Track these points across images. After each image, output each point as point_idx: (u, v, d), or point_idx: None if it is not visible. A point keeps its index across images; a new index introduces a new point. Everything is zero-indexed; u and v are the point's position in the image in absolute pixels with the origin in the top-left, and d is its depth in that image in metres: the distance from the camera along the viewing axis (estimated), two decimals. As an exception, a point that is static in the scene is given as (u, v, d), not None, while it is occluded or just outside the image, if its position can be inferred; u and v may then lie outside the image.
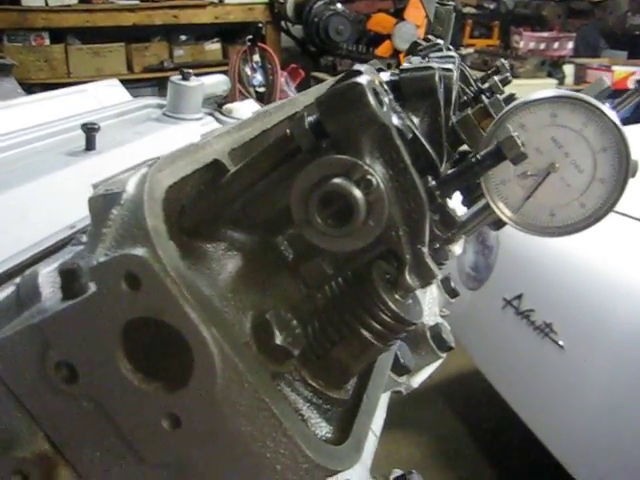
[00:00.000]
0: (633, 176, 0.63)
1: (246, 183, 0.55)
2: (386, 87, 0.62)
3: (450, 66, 0.82)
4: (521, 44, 6.56)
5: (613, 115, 0.61)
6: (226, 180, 0.56)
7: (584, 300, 2.30)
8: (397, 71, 0.77)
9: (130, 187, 0.51)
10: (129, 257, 0.46)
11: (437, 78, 0.74)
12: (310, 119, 0.51)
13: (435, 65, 0.76)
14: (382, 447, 2.61)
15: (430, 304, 1.03)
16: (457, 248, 1.30)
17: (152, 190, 0.49)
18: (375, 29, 5.60)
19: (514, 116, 0.62)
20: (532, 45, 6.54)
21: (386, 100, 0.54)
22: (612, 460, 2.13)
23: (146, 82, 5.92)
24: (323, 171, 0.49)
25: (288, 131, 0.52)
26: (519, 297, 2.52)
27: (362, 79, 0.49)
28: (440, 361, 0.93)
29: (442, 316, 1.20)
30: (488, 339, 2.86)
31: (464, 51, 6.47)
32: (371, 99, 0.49)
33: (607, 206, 0.63)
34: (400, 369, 0.76)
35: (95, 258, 0.48)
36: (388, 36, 5.33)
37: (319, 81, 5.70)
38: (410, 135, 0.56)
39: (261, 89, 4.67)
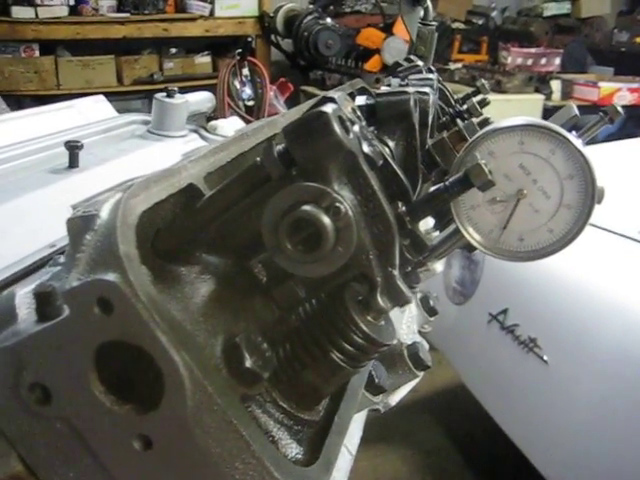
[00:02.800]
0: (599, 202, 0.64)
1: (219, 209, 0.56)
2: (359, 113, 0.63)
3: (427, 89, 0.83)
4: (509, 60, 6.60)
5: (579, 143, 0.63)
6: (200, 205, 0.57)
7: (569, 315, 2.31)
8: (373, 95, 0.78)
9: (104, 213, 0.52)
10: (101, 282, 0.47)
11: (412, 102, 0.75)
12: (279, 148, 0.52)
13: (411, 89, 0.77)
14: (368, 461, 2.63)
15: (409, 322, 1.04)
16: (438, 266, 1.31)
17: (125, 216, 0.50)
18: (364, 44, 5.64)
19: (483, 143, 0.64)
20: (520, 61, 6.59)
21: (356, 127, 0.55)
22: (595, 475, 2.14)
23: (136, 95, 5.92)
24: (293, 198, 0.50)
25: (258, 160, 0.54)
26: (504, 312, 2.54)
27: (327, 108, 0.50)
28: (417, 380, 0.94)
29: (423, 333, 1.21)
30: (473, 353, 2.87)
31: (452, 66, 6.51)
32: (336, 127, 0.50)
33: (574, 231, 0.64)
34: (375, 389, 0.77)
35: (68, 282, 0.49)
36: (377, 51, 5.37)
37: (308, 95, 5.73)
38: (381, 161, 0.57)
39: (250, 103, 4.69)
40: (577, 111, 0.78)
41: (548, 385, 2.32)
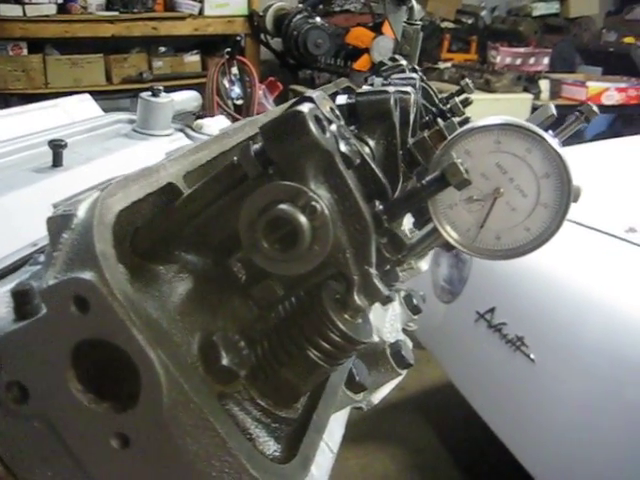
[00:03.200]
0: (575, 201, 0.65)
1: (198, 207, 0.56)
2: (337, 112, 0.63)
3: (408, 89, 0.84)
4: (498, 59, 6.63)
5: (555, 142, 0.63)
6: (178, 204, 0.58)
7: (556, 314, 2.32)
8: (354, 94, 0.79)
9: (81, 212, 0.52)
10: (77, 281, 0.48)
11: (392, 102, 0.76)
12: (255, 147, 0.52)
13: (391, 89, 0.78)
14: (357, 460, 2.63)
15: (392, 320, 1.04)
16: (423, 264, 1.32)
17: (102, 215, 0.51)
18: (353, 43, 5.64)
19: (459, 142, 0.64)
20: (509, 60, 6.62)
21: (333, 127, 0.56)
22: (581, 472, 2.15)
23: (125, 93, 5.89)
24: (269, 197, 0.50)
25: (235, 159, 0.54)
26: (492, 310, 2.54)
27: (304, 107, 0.51)
28: (400, 378, 0.94)
29: (408, 331, 1.22)
30: (461, 352, 2.88)
31: (442, 65, 6.52)
32: (312, 127, 0.50)
33: (551, 230, 0.65)
34: (356, 387, 0.78)
35: (45, 281, 0.50)
36: (366, 50, 5.37)
37: (297, 94, 5.73)
38: (358, 160, 0.57)
39: (239, 102, 4.69)
40: (554, 110, 0.79)
41: (535, 383, 2.33)
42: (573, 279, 2.34)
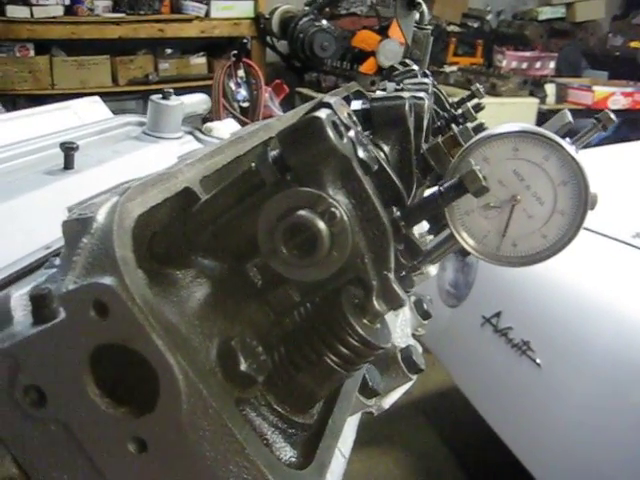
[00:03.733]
0: (592, 209, 0.65)
1: (215, 213, 0.56)
2: (355, 118, 0.63)
3: (422, 94, 0.84)
4: (504, 63, 6.63)
5: (572, 150, 0.63)
6: (196, 209, 0.58)
7: (562, 319, 2.32)
8: (368, 99, 0.79)
9: (100, 216, 0.52)
10: (97, 286, 0.48)
11: (407, 108, 0.76)
12: (273, 154, 0.52)
13: (406, 94, 0.78)
14: (361, 464, 2.63)
15: (402, 325, 1.04)
16: (432, 269, 1.32)
17: (122, 220, 0.51)
18: (360, 46, 5.64)
19: (477, 149, 0.64)
20: (515, 64, 6.62)
21: (351, 133, 0.56)
22: (587, 478, 2.15)
23: (131, 95, 5.91)
24: (288, 203, 0.50)
25: (253, 165, 0.54)
26: (498, 315, 2.54)
27: (322, 113, 0.51)
28: (411, 383, 0.94)
29: (417, 336, 1.21)
30: (467, 356, 2.88)
31: (448, 69, 6.52)
32: (330, 133, 0.50)
33: (567, 237, 0.65)
34: (369, 392, 0.78)
35: (65, 285, 0.50)
36: (372, 53, 5.37)
37: (303, 97, 5.73)
38: (376, 166, 0.57)
39: (245, 104, 4.68)
40: (571, 118, 0.79)
41: (541, 388, 2.32)
42: (580, 284, 2.34)
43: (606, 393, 2.10)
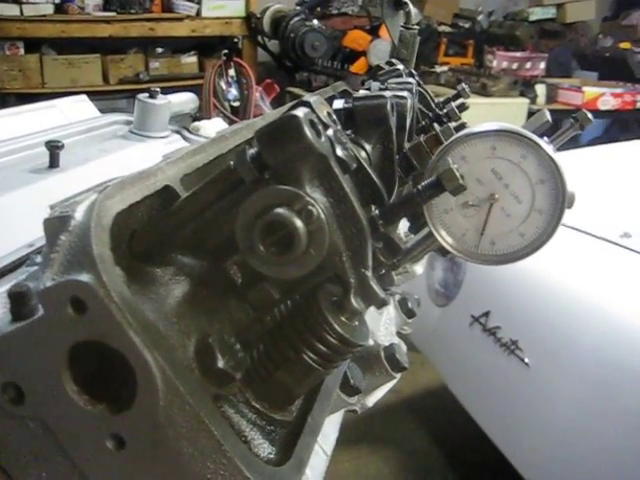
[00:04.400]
0: (570, 207, 0.65)
1: (194, 211, 0.57)
2: (334, 117, 0.64)
3: (404, 93, 0.84)
4: (494, 63, 6.64)
5: (550, 149, 0.64)
6: (176, 207, 0.58)
7: (550, 318, 2.33)
8: (351, 99, 0.79)
9: (78, 214, 0.52)
10: (75, 283, 0.48)
11: (389, 107, 0.76)
12: (251, 152, 0.53)
13: (388, 94, 0.78)
14: (350, 463, 2.63)
15: (386, 324, 1.05)
16: (418, 268, 1.33)
17: (100, 217, 0.51)
18: (351, 46, 5.65)
19: (455, 148, 0.65)
20: (505, 64, 6.63)
21: (330, 131, 0.56)
22: (575, 477, 2.16)
23: (121, 94, 5.89)
24: (266, 201, 0.51)
25: (231, 163, 0.54)
26: (486, 314, 2.55)
27: (299, 112, 0.51)
28: (395, 381, 0.95)
29: (403, 334, 1.22)
30: (456, 355, 2.89)
31: (439, 69, 6.53)
32: (307, 131, 0.51)
33: (545, 235, 0.65)
34: (351, 390, 0.78)
35: (42, 282, 0.50)
36: (363, 53, 5.39)
37: (294, 96, 5.73)
38: (354, 165, 0.58)
39: (236, 103, 4.68)
40: (549, 117, 0.80)
41: (529, 387, 2.33)
42: (568, 283, 2.35)
43: (593, 392, 2.11)
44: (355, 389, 0.78)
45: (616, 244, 2.34)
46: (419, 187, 0.58)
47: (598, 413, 2.08)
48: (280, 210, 0.50)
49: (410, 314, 1.10)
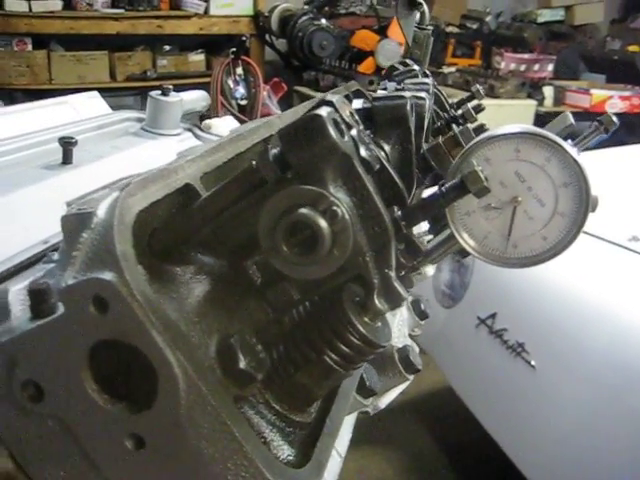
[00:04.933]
0: (593, 211, 0.65)
1: (216, 210, 0.56)
2: (357, 117, 0.63)
3: (423, 94, 0.84)
4: (502, 65, 6.63)
5: (574, 152, 0.63)
6: (197, 206, 0.57)
7: (557, 321, 2.33)
8: (369, 99, 0.79)
9: (101, 211, 0.52)
10: (97, 281, 0.47)
11: (409, 107, 0.76)
12: (274, 152, 0.52)
13: (407, 94, 0.78)
14: (354, 463, 2.63)
15: (400, 326, 1.04)
16: (430, 269, 1.32)
17: (122, 215, 0.50)
18: (358, 45, 5.64)
19: (479, 150, 0.64)
20: (513, 66, 6.62)
21: (353, 131, 0.55)
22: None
23: (129, 91, 5.90)
24: (290, 201, 0.50)
25: (254, 163, 0.54)
26: (493, 316, 2.54)
27: (322, 111, 0.51)
28: (407, 383, 0.94)
29: (413, 336, 1.21)
30: (461, 357, 2.88)
31: (446, 70, 6.52)
32: (331, 130, 0.50)
33: (568, 239, 0.65)
34: (366, 392, 0.77)
35: (64, 280, 0.49)
36: (371, 53, 5.37)
37: (301, 95, 5.73)
38: (377, 166, 0.57)
39: (243, 102, 4.68)
40: (573, 120, 0.79)
41: (535, 390, 2.33)
42: (575, 286, 2.34)
43: (600, 395, 2.11)
44: (371, 391, 0.77)
45: (624, 247, 2.33)
46: (443, 189, 0.57)
47: (604, 416, 2.08)
48: (304, 210, 0.50)
49: (423, 316, 1.09)
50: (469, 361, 2.80)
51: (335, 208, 0.50)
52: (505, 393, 2.53)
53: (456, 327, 2.87)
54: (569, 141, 0.68)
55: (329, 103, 0.59)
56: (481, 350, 2.62)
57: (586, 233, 2.10)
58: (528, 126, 0.65)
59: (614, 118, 0.78)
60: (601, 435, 2.08)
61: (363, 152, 0.55)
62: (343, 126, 0.53)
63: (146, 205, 0.54)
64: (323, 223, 0.50)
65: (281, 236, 0.50)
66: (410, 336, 1.17)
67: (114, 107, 2.12)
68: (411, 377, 0.93)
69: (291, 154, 0.52)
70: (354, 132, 0.56)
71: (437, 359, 3.03)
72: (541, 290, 2.43)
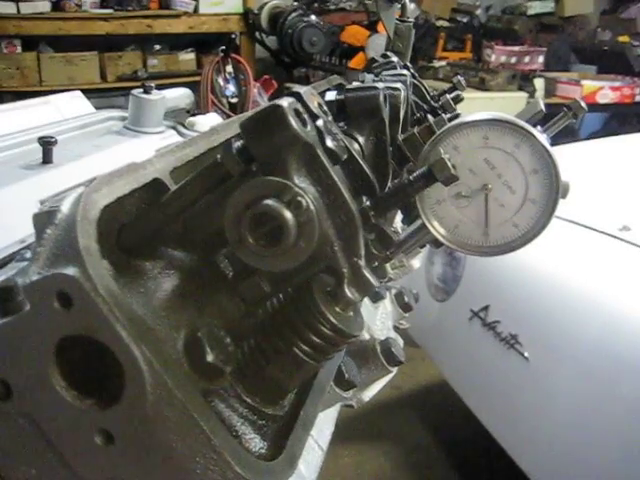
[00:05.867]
0: (564, 197, 0.65)
1: (183, 204, 0.56)
2: (325, 108, 0.63)
3: (398, 85, 0.84)
4: (493, 57, 6.63)
5: (543, 138, 0.63)
6: (165, 200, 0.57)
7: (549, 312, 2.33)
8: (344, 91, 0.78)
9: (65, 207, 0.51)
10: (61, 276, 0.47)
11: (382, 98, 0.75)
12: (237, 144, 0.52)
13: (380, 85, 0.78)
14: (351, 458, 2.63)
15: (383, 318, 1.04)
16: (415, 262, 1.32)
17: (86, 210, 0.50)
18: (349, 41, 5.64)
19: (447, 138, 0.64)
20: (503, 59, 6.62)
21: (319, 122, 0.55)
22: (576, 471, 2.16)
23: (119, 91, 5.85)
24: (255, 193, 0.50)
25: (218, 157, 0.54)
26: (486, 308, 2.55)
27: (283, 101, 0.50)
28: (391, 375, 0.94)
29: (400, 328, 1.21)
30: (455, 350, 2.88)
31: (437, 64, 6.52)
32: (292, 120, 0.50)
33: (539, 226, 0.64)
34: (345, 384, 0.77)
35: (29, 277, 0.49)
36: (362, 48, 5.37)
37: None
38: (345, 156, 0.57)
39: (234, 100, 4.68)
40: (543, 106, 0.79)
41: (529, 382, 2.33)
42: (567, 277, 2.34)
43: (593, 386, 2.11)
44: (350, 383, 0.77)
45: (615, 237, 2.33)
46: (410, 177, 0.57)
47: (597, 407, 2.08)
48: (269, 201, 0.50)
49: (407, 308, 1.09)
50: (463, 354, 2.80)
51: (300, 199, 0.50)
52: (499, 385, 2.53)
53: (449, 320, 2.88)
54: (538, 127, 0.68)
55: (296, 94, 0.58)
56: (474, 342, 2.62)
57: (577, 223, 2.10)
58: (496, 113, 0.65)
59: (582, 104, 0.78)
60: (595, 426, 2.09)
61: (329, 142, 0.55)
62: (306, 116, 0.53)
63: (112, 200, 0.53)
64: (288, 214, 0.50)
65: (247, 228, 0.50)
66: (396, 329, 1.17)
67: (105, 108, 2.12)
68: (394, 369, 0.93)
69: (253, 145, 0.52)
70: (320, 122, 0.55)
71: (431, 352, 3.04)
72: (533, 282, 2.44)
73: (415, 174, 0.57)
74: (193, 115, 2.04)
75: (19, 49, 5.59)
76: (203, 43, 6.32)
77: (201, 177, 0.56)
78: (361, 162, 0.63)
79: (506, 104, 5.57)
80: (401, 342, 1.01)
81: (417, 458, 3.25)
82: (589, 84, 5.99)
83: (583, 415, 2.14)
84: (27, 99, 2.02)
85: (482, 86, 5.70)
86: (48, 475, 0.54)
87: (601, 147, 3.67)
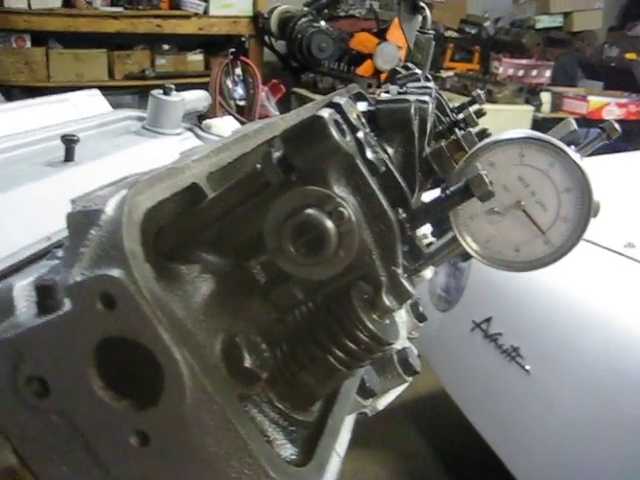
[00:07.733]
0: (595, 216, 0.65)
1: (221, 211, 0.57)
2: (363, 120, 0.64)
3: (426, 98, 0.84)
4: (500, 70, 6.65)
5: (577, 157, 0.64)
6: (203, 206, 0.58)
7: (552, 326, 2.33)
8: (372, 102, 0.79)
9: (109, 209, 0.52)
10: (105, 278, 0.48)
11: (412, 111, 0.76)
12: (277, 155, 0.53)
13: (412, 98, 0.78)
14: (349, 465, 2.62)
15: (399, 328, 1.04)
16: (428, 272, 1.32)
17: (131, 213, 0.51)
18: (357, 48, 5.64)
19: (484, 154, 0.65)
20: (511, 71, 6.63)
21: (360, 134, 0.56)
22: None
23: (127, 90, 5.89)
24: (297, 202, 0.51)
25: (258, 166, 0.54)
26: (488, 320, 2.55)
27: (324, 112, 0.51)
28: (406, 385, 0.95)
29: (411, 339, 1.22)
30: (456, 361, 2.88)
31: (444, 74, 6.54)
32: (333, 131, 0.51)
33: (570, 243, 0.65)
34: (366, 392, 0.78)
35: (72, 277, 0.50)
36: (370, 56, 5.37)
37: (299, 97, 5.73)
38: (383, 168, 0.58)
39: (242, 103, 4.69)
40: (576, 126, 0.80)
41: (529, 395, 2.33)
42: (571, 292, 2.35)
43: (595, 401, 2.11)
44: (370, 392, 0.78)
45: (620, 254, 2.34)
46: (447, 192, 0.58)
47: (599, 421, 2.08)
48: (311, 211, 0.50)
49: (421, 318, 1.10)
50: (463, 365, 2.81)
51: (341, 209, 0.51)
52: (499, 397, 2.53)
53: (451, 331, 2.88)
54: (572, 147, 0.69)
55: (337, 105, 0.59)
56: (476, 354, 2.62)
57: (583, 239, 2.10)
58: (532, 131, 0.65)
59: (616, 126, 0.79)
60: (595, 440, 2.09)
61: (369, 154, 0.56)
62: (345, 127, 0.54)
63: (154, 203, 0.54)
64: (329, 224, 0.50)
65: (288, 237, 0.51)
66: (408, 339, 1.18)
67: (112, 105, 2.13)
68: (410, 379, 0.94)
69: (294, 156, 0.52)
70: (360, 134, 0.56)
71: (432, 362, 3.04)
72: (536, 295, 2.44)
73: (452, 189, 0.58)
74: (201, 117, 2.05)
75: (28, 44, 5.60)
76: (212, 45, 6.32)
77: (240, 186, 0.56)
78: (396, 174, 0.63)
79: (512, 117, 5.59)
80: (416, 352, 1.01)
81: (413, 466, 3.25)
82: (595, 100, 6.00)
83: (584, 429, 2.14)
84: (35, 94, 2.03)
85: (489, 98, 5.70)
86: (80, 474, 0.54)
87: (607, 164, 3.67)
